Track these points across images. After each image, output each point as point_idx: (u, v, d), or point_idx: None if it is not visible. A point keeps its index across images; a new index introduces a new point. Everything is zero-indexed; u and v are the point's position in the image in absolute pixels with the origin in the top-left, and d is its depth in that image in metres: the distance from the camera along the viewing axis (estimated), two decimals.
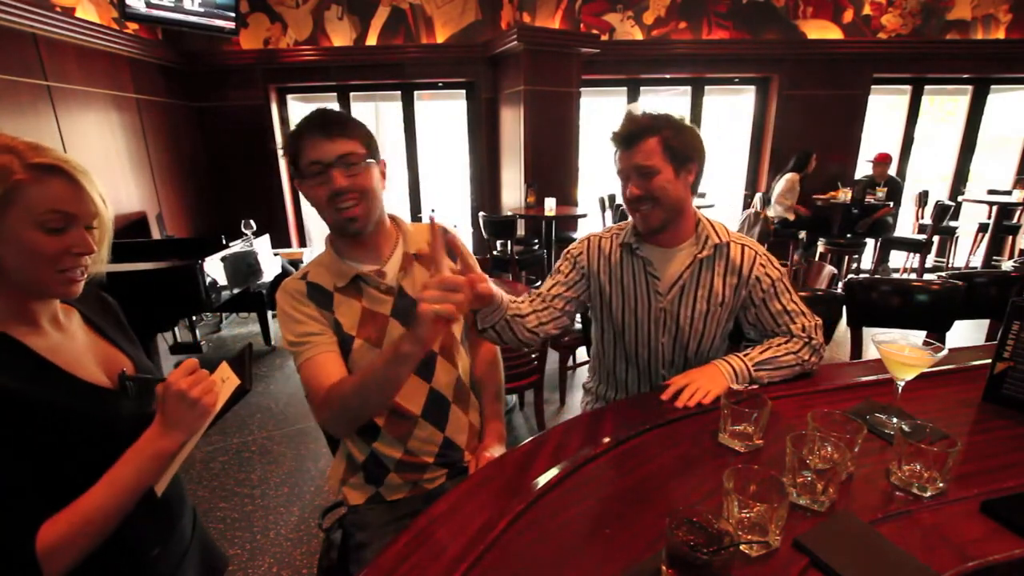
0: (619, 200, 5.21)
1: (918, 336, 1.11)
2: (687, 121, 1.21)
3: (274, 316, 4.32)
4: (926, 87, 5.59)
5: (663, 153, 1.17)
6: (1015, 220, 5.26)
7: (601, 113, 5.77)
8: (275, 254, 3.91)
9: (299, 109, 5.44)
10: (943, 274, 4.19)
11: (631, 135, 1.19)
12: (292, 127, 1.04)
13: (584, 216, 4.60)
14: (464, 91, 5.26)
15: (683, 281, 1.26)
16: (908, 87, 5.61)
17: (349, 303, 1.09)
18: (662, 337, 1.30)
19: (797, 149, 4.97)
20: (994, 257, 5.11)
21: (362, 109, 6.94)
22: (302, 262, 4.42)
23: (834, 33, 5.16)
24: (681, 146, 1.18)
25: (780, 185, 4.89)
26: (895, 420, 1.03)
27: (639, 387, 1.41)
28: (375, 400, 1.02)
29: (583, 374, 1.52)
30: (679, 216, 1.24)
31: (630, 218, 1.31)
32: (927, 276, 4.06)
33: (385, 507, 1.13)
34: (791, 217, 4.85)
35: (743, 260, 1.25)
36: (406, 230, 1.17)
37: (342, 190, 1.00)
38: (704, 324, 1.27)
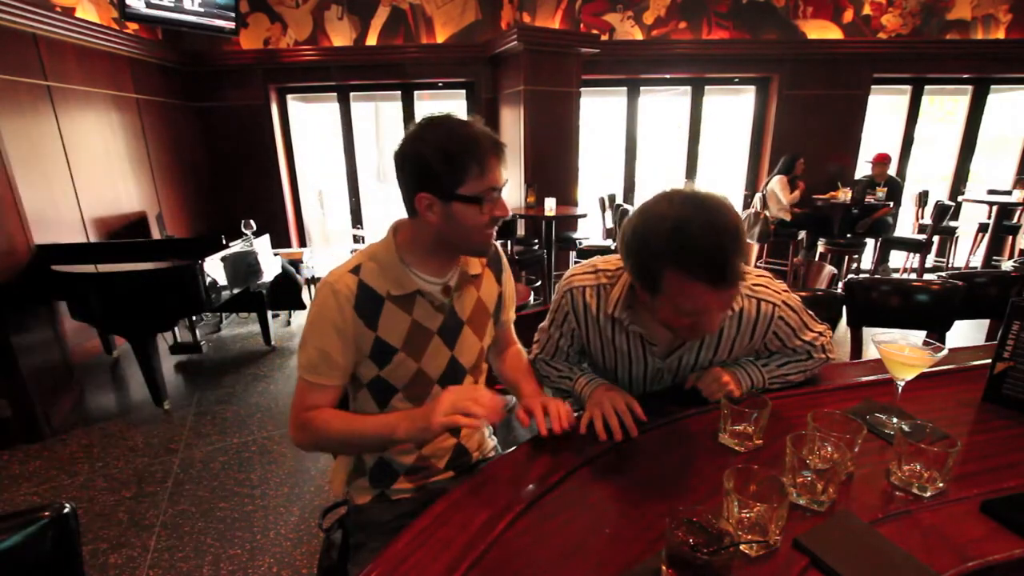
0: (619, 200, 5.22)
1: (918, 336, 1.11)
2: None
3: (274, 316, 4.35)
4: (926, 87, 5.59)
5: None
6: (1015, 220, 5.25)
7: (601, 112, 5.77)
8: (275, 254, 3.91)
9: (299, 109, 5.44)
10: (943, 274, 4.19)
11: (735, 270, 0.87)
12: (449, 141, 0.91)
13: (584, 216, 4.60)
14: (464, 91, 5.26)
15: (685, 348, 1.15)
16: (908, 87, 5.61)
17: (398, 315, 1.02)
18: (657, 386, 1.23)
19: (797, 149, 4.98)
20: (994, 257, 5.11)
21: (362, 109, 6.95)
22: (302, 262, 4.42)
23: (834, 33, 5.16)
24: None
25: (772, 187, 4.90)
26: (895, 420, 1.03)
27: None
28: (350, 452, 1.14)
29: None
30: None
31: (619, 284, 1.10)
32: (927, 276, 4.06)
33: (388, 506, 1.13)
34: (787, 218, 4.86)
35: (759, 318, 1.10)
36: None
37: (504, 218, 0.97)
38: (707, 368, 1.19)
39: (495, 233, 1.02)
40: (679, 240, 0.85)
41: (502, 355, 1.31)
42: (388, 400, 1.08)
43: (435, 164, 0.91)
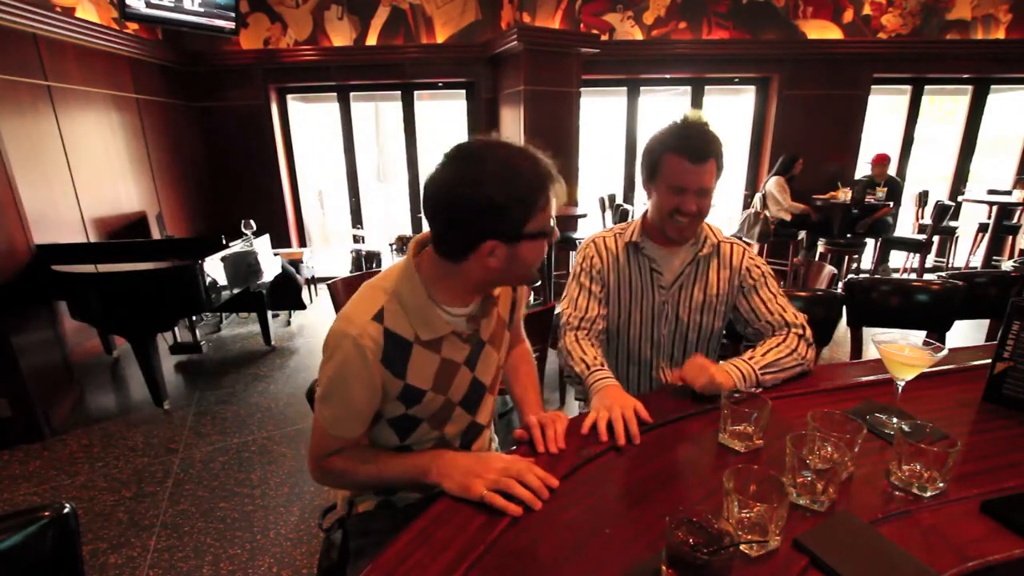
0: (619, 200, 5.21)
1: (918, 336, 1.11)
2: None
3: (274, 316, 4.35)
4: (926, 87, 5.59)
5: (715, 173, 1.25)
6: (1015, 220, 5.25)
7: (601, 112, 5.77)
8: (275, 254, 3.91)
9: (299, 109, 5.44)
10: (943, 274, 4.19)
11: (704, 153, 1.20)
12: (517, 177, 0.83)
13: (584, 216, 4.60)
14: (464, 91, 5.26)
15: (684, 276, 1.36)
16: (908, 87, 5.61)
17: (427, 357, 0.95)
18: (663, 328, 1.39)
19: (797, 149, 4.98)
20: (994, 257, 5.11)
21: (362, 109, 6.95)
22: (302, 262, 4.42)
23: (834, 33, 5.16)
24: (722, 167, 1.26)
25: (770, 189, 4.90)
26: (895, 420, 1.03)
27: (639, 385, 1.44)
28: (377, 486, 1.09)
29: None
30: None
31: (633, 218, 1.40)
32: (927, 276, 4.07)
33: (392, 512, 1.11)
34: (787, 218, 4.86)
35: (733, 254, 1.38)
36: None
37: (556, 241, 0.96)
38: (702, 316, 1.38)
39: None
40: (674, 131, 1.24)
41: (509, 353, 1.29)
42: (412, 430, 1.03)
43: (505, 206, 0.82)
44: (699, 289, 1.37)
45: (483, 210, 0.82)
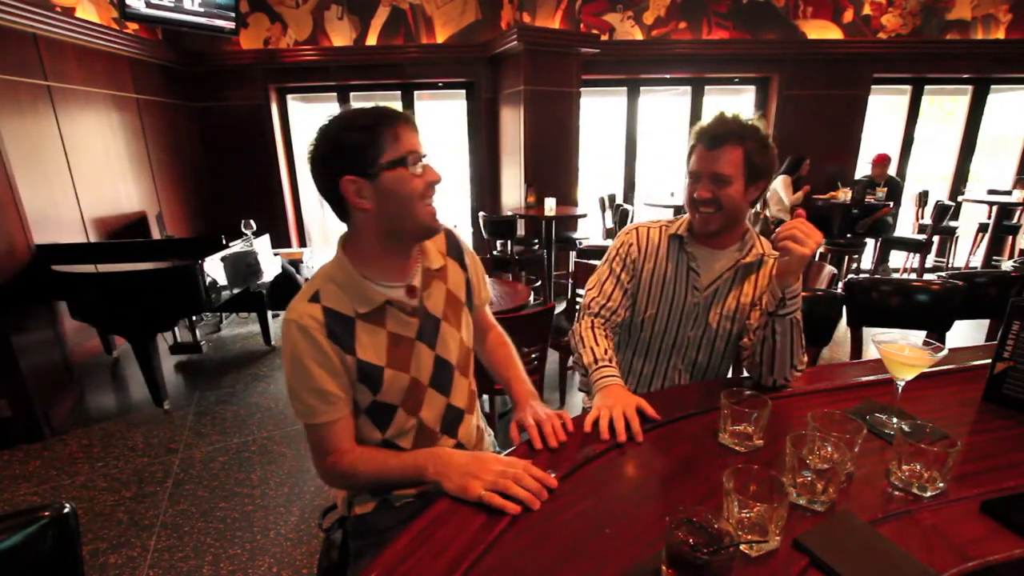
0: (619, 200, 5.21)
1: (918, 336, 1.11)
2: (769, 138, 1.23)
3: (274, 316, 4.34)
4: (926, 87, 5.59)
5: (743, 165, 1.20)
6: (1015, 220, 5.26)
7: (601, 112, 5.77)
8: (275, 254, 3.91)
9: (299, 109, 5.44)
10: (943, 274, 4.19)
11: (720, 137, 1.20)
12: (356, 118, 0.91)
13: (584, 216, 4.60)
14: (464, 91, 5.26)
15: (722, 281, 1.31)
16: (908, 87, 5.62)
17: (373, 331, 0.99)
18: (690, 331, 1.35)
19: (797, 149, 4.98)
20: (994, 257, 5.11)
21: None
22: (302, 262, 4.42)
23: (834, 33, 5.16)
24: (761, 163, 1.21)
25: (775, 187, 4.89)
26: (895, 420, 1.03)
27: (651, 382, 1.42)
28: (381, 486, 1.08)
29: None
30: (734, 223, 1.29)
31: (686, 214, 1.35)
32: (927, 276, 4.06)
33: (390, 512, 1.11)
34: (787, 218, 4.86)
35: (773, 269, 1.27)
36: (425, 245, 1.09)
37: (437, 182, 0.96)
38: (731, 324, 1.32)
39: (432, 206, 0.97)
40: (703, 123, 1.25)
41: (483, 341, 1.30)
42: (390, 420, 1.04)
43: (349, 141, 0.90)
44: (733, 297, 1.31)
45: (332, 151, 0.92)
